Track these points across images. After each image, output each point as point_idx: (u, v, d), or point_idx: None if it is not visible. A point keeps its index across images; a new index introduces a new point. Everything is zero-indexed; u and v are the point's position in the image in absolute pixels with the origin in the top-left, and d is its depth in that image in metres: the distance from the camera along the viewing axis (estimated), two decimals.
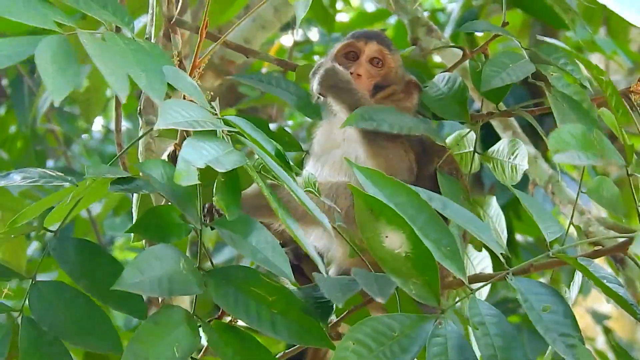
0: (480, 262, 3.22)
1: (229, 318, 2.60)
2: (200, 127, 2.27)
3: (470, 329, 2.42)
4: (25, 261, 5.53)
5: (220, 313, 2.58)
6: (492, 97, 3.05)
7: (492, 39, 3.21)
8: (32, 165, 6.56)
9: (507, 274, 2.49)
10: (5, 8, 2.24)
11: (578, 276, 2.82)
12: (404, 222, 2.34)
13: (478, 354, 2.33)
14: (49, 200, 2.53)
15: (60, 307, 2.43)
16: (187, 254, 2.55)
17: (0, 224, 5.13)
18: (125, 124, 7.11)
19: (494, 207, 3.21)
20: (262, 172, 2.45)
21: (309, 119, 3.39)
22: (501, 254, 2.50)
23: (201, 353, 2.70)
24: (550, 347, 2.73)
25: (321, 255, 3.05)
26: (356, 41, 3.14)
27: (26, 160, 6.86)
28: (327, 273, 2.99)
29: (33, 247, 6.74)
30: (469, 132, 3.19)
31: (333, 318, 2.69)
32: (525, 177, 4.63)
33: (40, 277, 2.47)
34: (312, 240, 2.91)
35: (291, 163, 2.51)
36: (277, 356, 2.75)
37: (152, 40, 3.14)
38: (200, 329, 2.38)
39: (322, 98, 3.04)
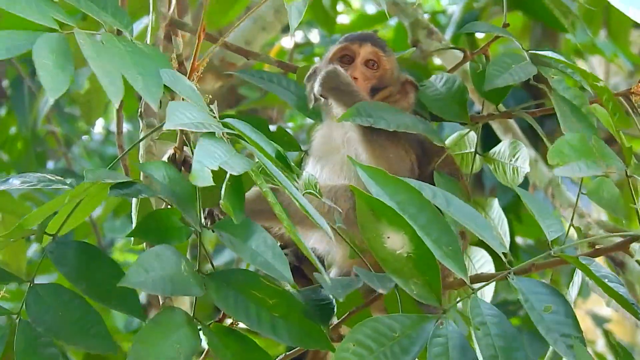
0: (482, 266, 3.22)
1: (230, 321, 2.60)
2: (205, 129, 2.28)
3: (472, 330, 2.42)
4: (25, 263, 5.53)
5: (221, 316, 2.58)
6: (493, 98, 3.06)
7: (493, 41, 3.21)
8: (33, 166, 6.58)
9: (509, 273, 2.49)
10: (9, 4, 2.24)
11: (577, 277, 2.82)
12: (406, 222, 2.34)
13: (479, 354, 2.33)
14: (51, 206, 2.52)
15: (57, 309, 2.43)
16: (188, 256, 2.55)
17: (1, 226, 5.12)
18: (126, 126, 7.11)
19: (495, 209, 3.21)
20: (261, 174, 2.45)
21: (309, 122, 3.40)
22: (503, 253, 2.50)
23: (202, 356, 2.70)
24: (550, 348, 2.73)
25: (321, 258, 3.05)
26: (350, 44, 3.14)
27: (26, 161, 6.86)
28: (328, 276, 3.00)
29: (33, 249, 6.74)
30: (468, 131, 3.19)
31: (334, 320, 2.69)
32: (525, 179, 4.63)
33: (40, 280, 2.48)
34: (312, 243, 2.91)
35: (292, 164, 2.51)
36: (277, 359, 2.75)
37: (148, 42, 3.14)
38: (201, 332, 2.38)
39: (321, 100, 3.03)
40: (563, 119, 2.78)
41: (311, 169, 3.06)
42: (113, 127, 6.37)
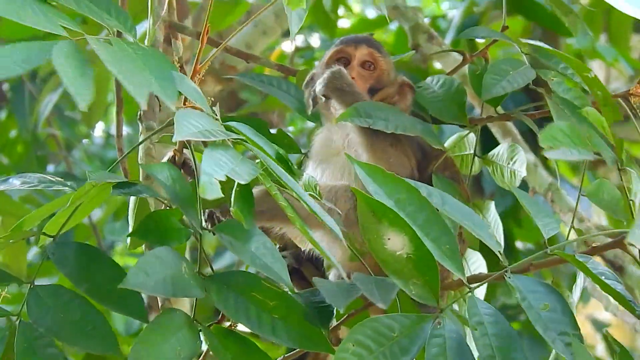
0: (477, 268, 3.22)
1: (229, 323, 2.60)
2: (212, 137, 2.29)
3: (469, 330, 2.42)
4: (26, 265, 5.53)
5: (220, 317, 2.58)
6: (491, 100, 3.06)
7: (492, 43, 3.21)
8: (33, 170, 6.57)
9: (506, 271, 2.49)
10: (15, 13, 2.25)
11: (580, 279, 2.82)
12: (406, 224, 2.35)
13: (477, 354, 2.34)
14: (50, 207, 2.53)
15: (58, 310, 2.43)
16: (188, 259, 2.55)
17: (1, 229, 5.12)
18: (126, 129, 7.12)
19: (492, 212, 3.21)
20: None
21: (309, 125, 3.40)
22: (499, 252, 2.50)
23: (201, 358, 2.71)
24: (552, 354, 2.74)
25: (321, 260, 3.06)
26: (346, 46, 3.15)
27: (27, 165, 6.86)
28: (327, 277, 3.00)
29: (34, 251, 6.74)
30: (467, 133, 3.20)
31: (333, 322, 2.69)
32: (525, 184, 4.63)
33: (41, 282, 2.48)
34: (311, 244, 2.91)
35: (293, 166, 2.52)
36: None
37: (146, 43, 3.14)
38: (201, 333, 2.39)
39: (322, 100, 3.03)
40: (560, 120, 2.78)
41: (311, 173, 3.06)
42: (113, 131, 6.37)
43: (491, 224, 3.18)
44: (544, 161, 5.18)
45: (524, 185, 3.19)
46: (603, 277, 2.50)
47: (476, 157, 3.22)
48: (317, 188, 2.66)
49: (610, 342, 2.52)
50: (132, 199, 2.86)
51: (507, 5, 3.36)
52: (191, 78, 2.60)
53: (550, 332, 2.35)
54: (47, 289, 2.47)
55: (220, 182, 2.15)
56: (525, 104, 3.23)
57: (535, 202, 2.74)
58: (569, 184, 6.00)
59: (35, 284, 2.47)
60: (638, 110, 2.94)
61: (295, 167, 2.62)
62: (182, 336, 2.31)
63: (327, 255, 2.32)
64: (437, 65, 6.08)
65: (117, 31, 2.47)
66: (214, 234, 2.42)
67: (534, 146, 5.22)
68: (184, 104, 2.47)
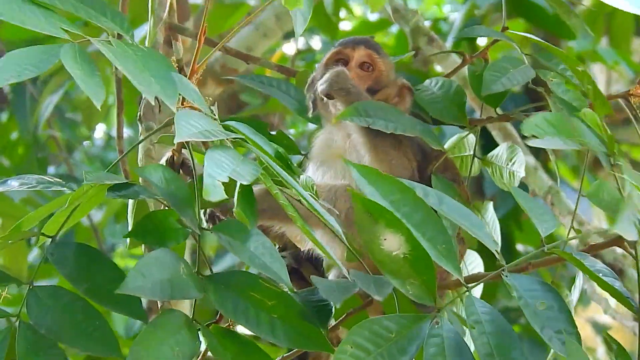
0: (474, 269, 3.22)
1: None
2: (212, 137, 2.29)
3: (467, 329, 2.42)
4: (26, 268, 5.54)
5: (218, 317, 2.58)
6: (491, 101, 3.06)
7: (492, 44, 3.21)
8: (34, 172, 6.57)
9: (502, 270, 2.49)
10: (16, 16, 2.27)
11: (578, 280, 2.81)
12: (402, 224, 2.35)
13: (476, 353, 2.34)
14: (48, 207, 2.53)
15: (58, 311, 2.42)
16: (188, 262, 2.55)
17: (1, 232, 5.13)
18: (127, 131, 7.13)
19: (490, 213, 3.21)
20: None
21: (310, 128, 3.40)
22: (496, 251, 2.50)
23: (199, 357, 2.71)
24: (550, 353, 2.73)
25: (321, 260, 3.06)
26: (343, 48, 3.15)
27: (28, 167, 6.87)
28: (327, 277, 3.00)
29: (34, 254, 6.75)
30: (467, 134, 3.20)
31: (333, 322, 2.69)
32: (524, 187, 4.63)
33: (41, 284, 2.47)
34: (312, 245, 2.91)
35: (293, 165, 2.52)
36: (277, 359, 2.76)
37: (146, 45, 3.15)
38: (200, 334, 2.39)
39: (325, 101, 3.03)
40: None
41: (312, 174, 3.06)
42: (114, 133, 6.39)
43: (489, 224, 3.17)
44: (545, 164, 5.19)
45: (523, 188, 3.18)
46: (600, 275, 2.50)
47: (476, 159, 3.22)
48: (315, 188, 2.66)
49: (608, 340, 2.51)
50: (131, 200, 2.86)
51: (508, 8, 3.36)
52: (189, 78, 2.60)
53: (547, 330, 2.35)
54: (46, 289, 2.46)
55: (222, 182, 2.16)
56: (525, 105, 3.23)
57: (533, 201, 2.74)
58: (570, 187, 6.01)
59: (35, 285, 2.46)
60: (638, 111, 2.93)
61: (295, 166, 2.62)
62: (181, 336, 2.30)
63: (327, 252, 2.32)
64: (438, 68, 6.09)
65: (118, 34, 2.48)
66: (211, 232, 2.42)
67: (535, 149, 5.22)
68: (182, 105, 2.47)
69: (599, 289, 5.03)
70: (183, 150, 2.70)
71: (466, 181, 3.15)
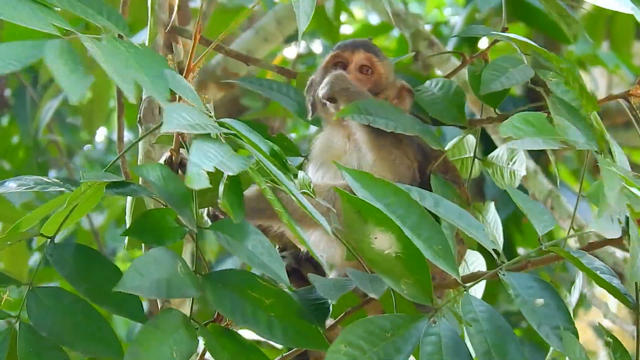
0: (475, 268, 3.22)
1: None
2: (202, 130, 2.28)
3: (464, 327, 2.42)
4: (27, 270, 5.54)
5: (216, 316, 2.58)
6: (491, 100, 3.06)
7: (492, 45, 3.21)
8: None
9: (500, 269, 2.49)
10: (10, 14, 2.26)
11: (578, 280, 2.81)
12: (392, 222, 2.34)
13: (473, 351, 2.33)
14: (46, 208, 2.53)
15: (58, 313, 2.42)
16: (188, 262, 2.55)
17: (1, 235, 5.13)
18: (127, 134, 7.13)
19: (492, 213, 3.21)
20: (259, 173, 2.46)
21: (311, 131, 3.40)
22: (495, 251, 2.50)
23: (198, 357, 2.70)
24: (549, 353, 2.73)
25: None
26: (342, 51, 3.15)
27: (28, 171, 6.86)
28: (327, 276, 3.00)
29: (35, 257, 6.75)
30: (466, 135, 3.20)
31: (331, 321, 2.69)
32: (524, 191, 4.63)
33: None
34: (311, 244, 2.90)
35: (290, 164, 2.52)
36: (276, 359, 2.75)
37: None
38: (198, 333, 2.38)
39: (327, 104, 3.03)
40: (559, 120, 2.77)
41: (312, 175, 3.06)
42: (115, 136, 6.39)
43: (490, 224, 3.17)
44: (545, 168, 5.19)
45: (523, 192, 3.19)
46: (598, 272, 2.50)
47: (476, 160, 3.22)
48: (312, 186, 2.66)
49: (605, 336, 2.51)
50: (129, 199, 2.86)
51: (508, 11, 3.37)
52: (185, 77, 2.60)
53: (544, 327, 2.35)
54: (46, 290, 2.46)
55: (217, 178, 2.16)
56: (524, 105, 3.23)
57: (530, 201, 2.74)
58: (570, 190, 6.01)
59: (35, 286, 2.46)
60: (638, 112, 2.93)
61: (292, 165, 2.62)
62: (179, 336, 2.29)
63: (309, 247, 2.32)
64: (439, 72, 6.09)
65: (118, 34, 2.48)
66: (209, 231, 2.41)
67: (535, 153, 5.22)
68: (178, 102, 2.47)
69: (598, 293, 5.04)
70: (181, 150, 2.70)
71: (466, 183, 3.15)
